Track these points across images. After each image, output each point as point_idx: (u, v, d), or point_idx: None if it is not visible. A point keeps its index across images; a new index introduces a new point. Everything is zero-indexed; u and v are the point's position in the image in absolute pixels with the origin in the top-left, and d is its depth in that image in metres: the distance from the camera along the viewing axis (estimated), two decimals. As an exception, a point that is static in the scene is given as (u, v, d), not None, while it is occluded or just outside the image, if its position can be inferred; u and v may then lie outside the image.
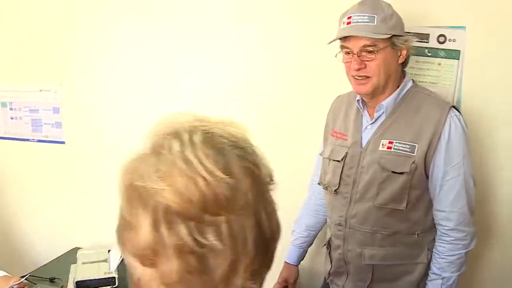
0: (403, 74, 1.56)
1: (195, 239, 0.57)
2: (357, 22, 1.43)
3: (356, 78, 1.49)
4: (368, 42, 1.43)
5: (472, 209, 1.50)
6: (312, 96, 1.96)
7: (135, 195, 0.59)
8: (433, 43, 1.78)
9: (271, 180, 0.65)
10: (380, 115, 1.54)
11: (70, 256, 2.28)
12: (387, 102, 1.52)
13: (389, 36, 1.43)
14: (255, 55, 2.02)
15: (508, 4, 1.67)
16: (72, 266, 2.14)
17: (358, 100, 1.60)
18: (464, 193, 1.47)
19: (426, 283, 1.55)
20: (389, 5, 1.48)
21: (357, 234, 1.55)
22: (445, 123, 1.45)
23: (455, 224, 1.48)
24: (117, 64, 2.21)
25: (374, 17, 1.42)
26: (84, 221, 2.42)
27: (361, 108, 1.60)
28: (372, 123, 1.56)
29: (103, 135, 2.29)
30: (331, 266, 1.68)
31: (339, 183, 1.60)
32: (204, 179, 0.57)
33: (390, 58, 1.47)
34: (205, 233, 0.57)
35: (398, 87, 1.53)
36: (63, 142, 2.34)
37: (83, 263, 2.13)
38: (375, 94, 1.51)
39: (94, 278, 1.98)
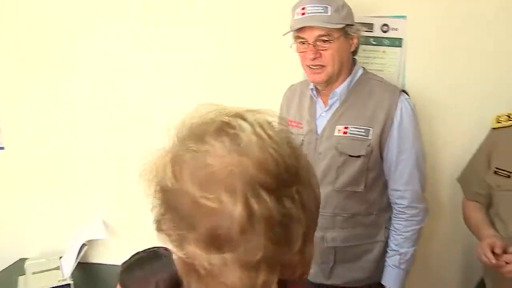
0: (353, 62, 1.62)
1: (278, 210, 0.60)
2: (312, 12, 1.47)
3: (311, 68, 1.53)
4: (322, 32, 1.47)
5: (423, 187, 1.60)
6: (270, 88, 1.98)
7: (214, 179, 0.60)
8: (377, 32, 1.86)
9: None
10: (334, 102, 1.59)
11: (16, 268, 2.16)
12: (341, 89, 1.57)
13: (342, 26, 1.48)
14: (218, 52, 2.01)
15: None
16: (20, 278, 2.03)
17: (311, 88, 1.64)
18: (417, 172, 1.56)
19: (385, 260, 1.62)
20: None
21: (318, 218, 1.59)
22: (397, 107, 1.52)
23: (410, 202, 1.56)
24: (57, 67, 2.10)
25: (328, 7, 1.46)
26: (28, 230, 2.30)
27: (315, 96, 1.64)
28: (327, 110, 1.61)
29: (44, 139, 2.18)
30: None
31: None
32: (277, 152, 0.61)
33: (343, 47, 1.52)
34: (284, 202, 0.61)
35: (349, 74, 1.59)
36: (2, 148, 2.20)
37: (33, 273, 2.03)
38: (330, 82, 1.56)
39: (48, 287, 1.90)
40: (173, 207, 0.63)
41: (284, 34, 1.53)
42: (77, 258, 2.01)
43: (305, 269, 0.67)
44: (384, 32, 1.86)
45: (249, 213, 0.59)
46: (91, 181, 2.15)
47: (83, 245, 2.05)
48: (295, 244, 0.63)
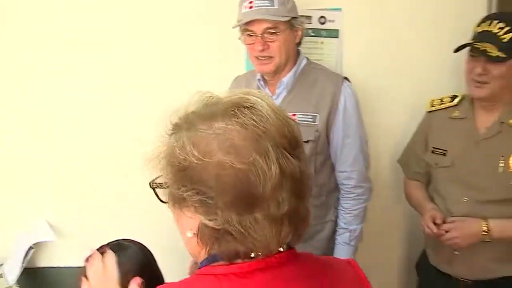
0: (297, 53, 1.70)
1: (299, 166, 0.71)
2: (259, 6, 1.53)
3: (259, 59, 1.59)
4: (270, 25, 1.53)
5: (367, 167, 1.72)
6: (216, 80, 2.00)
7: (244, 146, 0.67)
8: (315, 24, 1.96)
9: None
10: (281, 91, 1.67)
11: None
12: (287, 78, 1.65)
13: (288, 18, 1.55)
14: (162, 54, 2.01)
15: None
16: (-40, 289, 1.92)
17: (258, 79, 1.70)
18: (361, 154, 1.68)
19: (335, 238, 1.72)
20: None
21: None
22: (340, 93, 1.63)
23: (356, 182, 1.68)
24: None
25: (274, 1, 1.53)
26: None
27: (262, 87, 1.70)
28: (275, 99, 1.68)
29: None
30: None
31: None
32: (286, 121, 0.72)
33: (289, 38, 1.60)
34: (298, 160, 0.71)
35: (295, 64, 1.67)
36: None
37: (-26, 283, 1.93)
38: (277, 72, 1.63)
39: (-7, 296, 1.82)
40: (199, 181, 0.68)
41: (234, 27, 1.58)
42: (23, 263, 1.94)
43: (309, 223, 0.76)
44: (322, 24, 1.96)
45: (281, 171, 0.67)
46: (33, 181, 2.06)
47: (30, 249, 1.97)
48: (307, 197, 0.73)
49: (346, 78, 1.69)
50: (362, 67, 1.96)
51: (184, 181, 0.70)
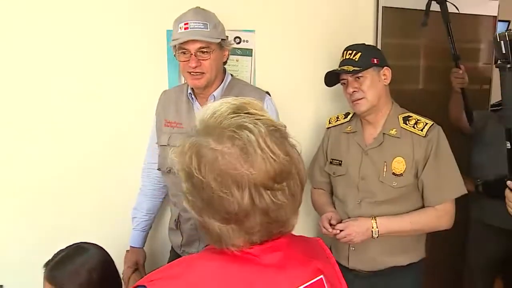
0: (224, 70, 1.92)
1: (273, 201, 0.84)
2: (194, 28, 1.72)
3: (192, 74, 1.77)
4: (203, 45, 1.73)
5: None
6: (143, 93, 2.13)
7: (228, 178, 0.81)
8: (231, 43, 2.19)
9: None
10: (211, 104, 1.87)
11: None
12: (217, 92, 1.86)
13: (218, 40, 1.77)
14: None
15: (285, 12, 2.24)
16: None
17: (190, 93, 1.88)
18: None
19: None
20: (214, 14, 1.81)
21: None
22: (263, 105, 1.87)
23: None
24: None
25: (207, 24, 1.74)
26: None
27: (192, 100, 1.89)
28: (205, 111, 1.87)
29: None
30: (182, 238, 1.93)
31: None
32: (274, 160, 0.83)
33: (219, 57, 1.81)
34: (277, 196, 0.84)
35: (222, 80, 1.88)
36: None
37: None
38: (207, 86, 1.83)
39: None
40: (196, 188, 0.85)
41: (171, 45, 1.75)
42: None
43: (290, 229, 0.93)
44: (238, 43, 2.21)
45: (252, 204, 0.83)
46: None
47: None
48: (282, 220, 0.88)
49: (267, 93, 1.95)
50: (272, 83, 2.20)
51: (188, 181, 0.87)
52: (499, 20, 2.80)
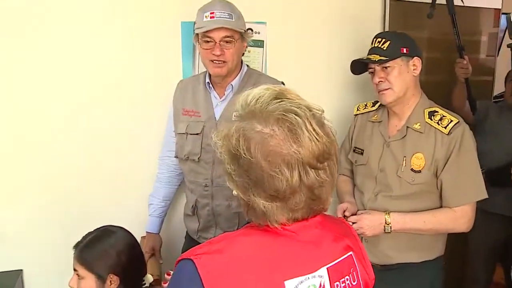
0: (241, 61, 1.97)
1: (317, 179, 0.91)
2: (220, 17, 1.77)
3: (215, 62, 1.82)
4: (228, 34, 1.78)
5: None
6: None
7: (278, 157, 0.88)
8: (244, 35, 2.25)
9: None
10: (229, 93, 1.92)
11: None
12: (235, 82, 1.92)
13: (242, 31, 1.82)
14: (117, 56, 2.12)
15: (295, 5, 2.30)
16: None
17: (208, 82, 1.94)
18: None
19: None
20: (236, 7, 1.86)
21: (224, 190, 1.89)
22: None
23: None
24: None
25: (232, 14, 1.79)
26: None
27: (210, 89, 1.95)
28: (222, 100, 1.93)
29: None
30: (199, 224, 2.00)
31: (201, 152, 1.92)
32: (318, 141, 0.89)
33: (240, 48, 1.87)
34: (320, 174, 0.91)
35: (240, 70, 1.94)
36: None
37: None
38: (227, 76, 1.88)
39: None
40: (243, 168, 0.90)
41: (197, 33, 1.81)
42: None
43: (327, 207, 0.99)
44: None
45: (300, 182, 0.89)
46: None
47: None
48: (323, 199, 0.95)
49: (282, 83, 2.00)
50: (283, 73, 2.28)
51: (233, 162, 0.92)
52: (503, 13, 2.87)
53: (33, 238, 2.09)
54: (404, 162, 1.80)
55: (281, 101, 0.91)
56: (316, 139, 0.89)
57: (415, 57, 1.82)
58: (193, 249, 0.94)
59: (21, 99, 2.03)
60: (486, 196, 1.80)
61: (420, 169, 1.77)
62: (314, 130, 0.89)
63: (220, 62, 1.82)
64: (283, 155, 0.88)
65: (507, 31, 3.04)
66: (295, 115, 0.89)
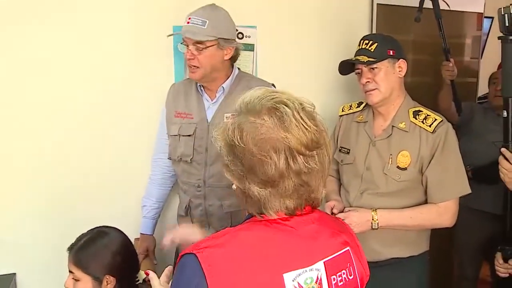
0: (232, 65, 2.00)
1: (305, 165, 0.96)
2: (193, 23, 1.82)
3: (189, 66, 1.88)
4: (197, 39, 1.82)
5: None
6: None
7: (267, 143, 0.94)
8: (235, 39, 2.29)
9: None
10: (220, 95, 1.96)
11: None
12: (226, 84, 1.96)
13: (213, 39, 1.83)
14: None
15: (284, 9, 2.35)
16: None
17: (199, 85, 1.98)
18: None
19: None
20: (226, 13, 1.90)
21: (216, 190, 1.94)
22: None
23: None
24: None
25: (206, 22, 1.82)
26: None
27: (201, 92, 1.99)
28: (214, 102, 1.97)
29: None
30: (192, 224, 2.02)
31: (193, 153, 1.95)
32: (306, 129, 0.95)
33: (216, 54, 1.87)
34: (309, 162, 0.97)
35: (230, 74, 1.98)
36: None
37: None
38: (206, 81, 1.93)
39: None
40: (238, 157, 0.96)
41: (169, 36, 1.93)
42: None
43: (319, 197, 1.04)
44: (240, 39, 2.30)
45: (287, 166, 0.95)
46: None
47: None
48: (313, 186, 1.00)
49: (273, 85, 2.04)
50: (273, 76, 2.33)
51: (230, 153, 0.99)
52: (485, 17, 2.95)
53: (26, 241, 2.10)
54: (390, 160, 1.85)
55: (274, 96, 0.98)
56: (304, 127, 0.95)
57: (401, 59, 1.88)
58: (196, 244, 0.97)
59: (18, 102, 2.04)
60: (469, 191, 1.87)
61: (406, 166, 1.82)
62: (302, 119, 0.96)
63: (193, 67, 1.87)
64: (272, 140, 0.94)
65: (489, 32, 3.14)
66: (285, 105, 0.96)
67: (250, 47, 2.33)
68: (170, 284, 1.12)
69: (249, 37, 2.32)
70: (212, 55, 1.86)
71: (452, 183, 1.83)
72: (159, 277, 1.16)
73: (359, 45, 1.92)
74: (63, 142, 2.10)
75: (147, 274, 1.20)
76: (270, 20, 2.34)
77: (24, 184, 2.08)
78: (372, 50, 1.84)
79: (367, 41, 1.88)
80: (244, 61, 2.34)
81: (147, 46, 2.18)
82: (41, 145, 2.08)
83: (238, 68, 2.06)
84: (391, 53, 1.85)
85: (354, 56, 1.90)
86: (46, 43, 2.04)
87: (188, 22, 1.84)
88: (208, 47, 1.84)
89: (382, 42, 1.86)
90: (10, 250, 2.09)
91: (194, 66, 1.86)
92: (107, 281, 1.52)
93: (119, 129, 2.19)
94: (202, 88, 1.98)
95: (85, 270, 1.51)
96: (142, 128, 2.21)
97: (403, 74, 1.90)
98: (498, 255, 1.92)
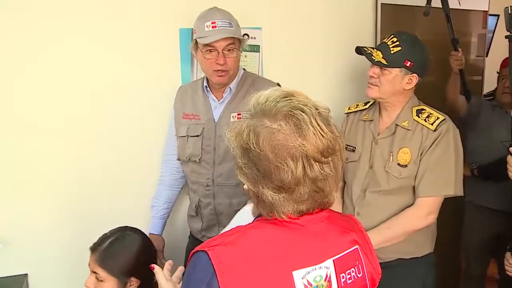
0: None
1: (321, 172, 0.96)
2: (222, 26, 1.83)
3: (218, 72, 1.87)
4: (230, 42, 1.84)
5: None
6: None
7: (284, 150, 0.93)
8: (240, 40, 2.32)
9: None
10: (227, 96, 1.99)
11: None
12: (233, 84, 1.98)
13: (241, 37, 1.89)
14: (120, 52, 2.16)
15: (289, 11, 2.37)
16: None
17: (205, 86, 2.00)
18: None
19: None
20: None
21: (225, 189, 1.96)
22: None
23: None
24: None
25: (232, 23, 1.86)
26: None
27: (207, 93, 2.01)
28: (220, 103, 1.99)
29: None
30: (202, 223, 2.05)
31: (201, 153, 1.98)
32: (323, 136, 0.95)
33: (239, 55, 1.93)
34: (324, 168, 0.97)
35: (237, 74, 2.01)
36: None
37: None
38: (228, 83, 1.96)
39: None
40: (253, 161, 0.97)
41: (202, 42, 1.84)
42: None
43: (332, 201, 1.05)
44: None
45: (304, 173, 0.95)
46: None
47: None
48: (326, 191, 1.00)
49: (278, 84, 2.06)
50: (278, 76, 2.34)
51: (244, 156, 0.99)
52: (490, 15, 2.96)
53: (37, 242, 2.13)
54: (391, 157, 1.86)
55: (290, 100, 0.97)
56: (321, 134, 0.95)
57: (414, 74, 1.85)
58: (207, 242, 0.99)
59: (22, 103, 2.05)
60: (461, 194, 1.84)
61: (406, 163, 1.83)
62: (319, 125, 0.95)
63: (220, 71, 1.87)
64: (289, 148, 0.94)
65: (495, 30, 3.14)
66: (302, 111, 0.95)
67: (255, 48, 2.35)
68: (181, 283, 1.14)
69: (255, 38, 2.34)
70: (238, 55, 1.92)
71: (437, 179, 1.80)
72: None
73: (387, 38, 1.89)
74: (73, 145, 2.12)
75: (153, 268, 1.23)
76: (275, 21, 2.36)
77: (35, 186, 2.10)
78: (391, 52, 1.82)
79: (394, 39, 1.85)
80: (249, 63, 2.36)
81: (154, 48, 2.20)
82: (51, 149, 2.10)
83: (244, 69, 2.09)
84: (408, 65, 1.82)
85: (375, 47, 1.90)
86: (57, 48, 2.06)
87: (214, 27, 1.83)
88: (237, 47, 1.88)
89: (406, 49, 1.82)
90: (22, 251, 2.11)
91: (224, 70, 1.87)
92: (131, 283, 1.54)
93: (129, 132, 2.21)
94: (208, 88, 2.01)
95: (111, 272, 1.52)
96: (150, 130, 2.24)
97: (410, 88, 1.87)
98: (508, 255, 1.92)
